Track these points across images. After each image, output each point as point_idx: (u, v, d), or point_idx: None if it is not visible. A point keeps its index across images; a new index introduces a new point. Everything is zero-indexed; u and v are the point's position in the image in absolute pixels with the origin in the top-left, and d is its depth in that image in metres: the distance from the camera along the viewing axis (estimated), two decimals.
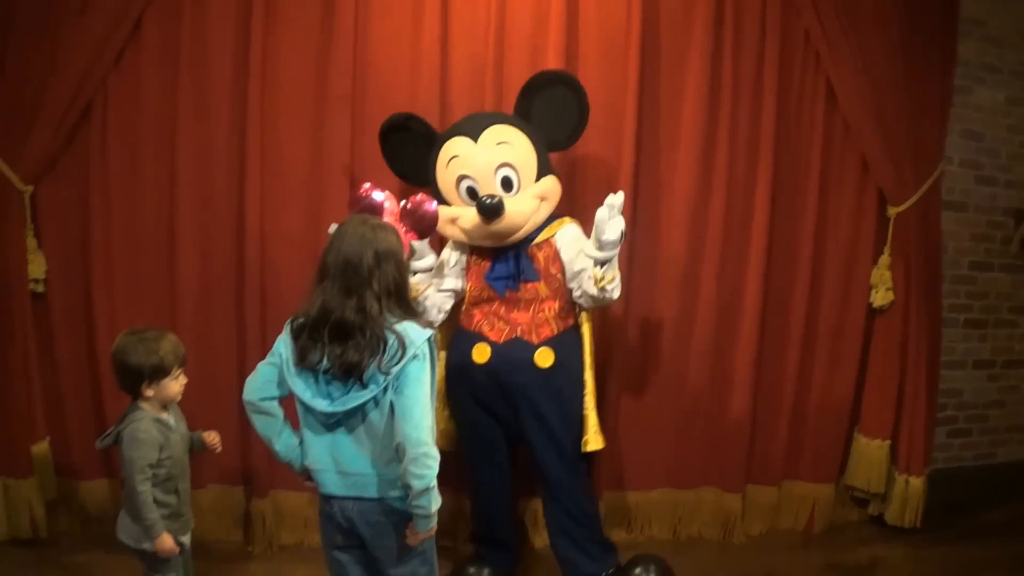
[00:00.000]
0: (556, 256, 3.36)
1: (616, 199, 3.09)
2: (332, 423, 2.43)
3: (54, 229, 3.84)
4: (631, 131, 3.77)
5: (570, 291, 3.38)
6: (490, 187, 3.23)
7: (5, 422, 3.76)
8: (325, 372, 2.38)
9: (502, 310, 3.35)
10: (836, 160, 3.97)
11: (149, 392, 2.88)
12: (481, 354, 3.35)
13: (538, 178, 3.30)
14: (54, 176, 3.80)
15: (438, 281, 3.49)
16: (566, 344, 3.38)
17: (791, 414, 4.13)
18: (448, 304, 3.50)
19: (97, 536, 3.27)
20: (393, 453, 2.37)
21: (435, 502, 2.39)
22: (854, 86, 3.80)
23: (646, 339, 4.02)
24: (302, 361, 2.40)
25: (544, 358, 3.30)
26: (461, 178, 3.27)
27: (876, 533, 4.19)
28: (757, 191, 3.90)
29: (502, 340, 3.34)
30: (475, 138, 3.25)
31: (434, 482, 2.36)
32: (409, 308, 2.45)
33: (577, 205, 3.81)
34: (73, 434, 3.88)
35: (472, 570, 3.58)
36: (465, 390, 3.45)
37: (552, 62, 3.71)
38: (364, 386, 2.36)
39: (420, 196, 2.94)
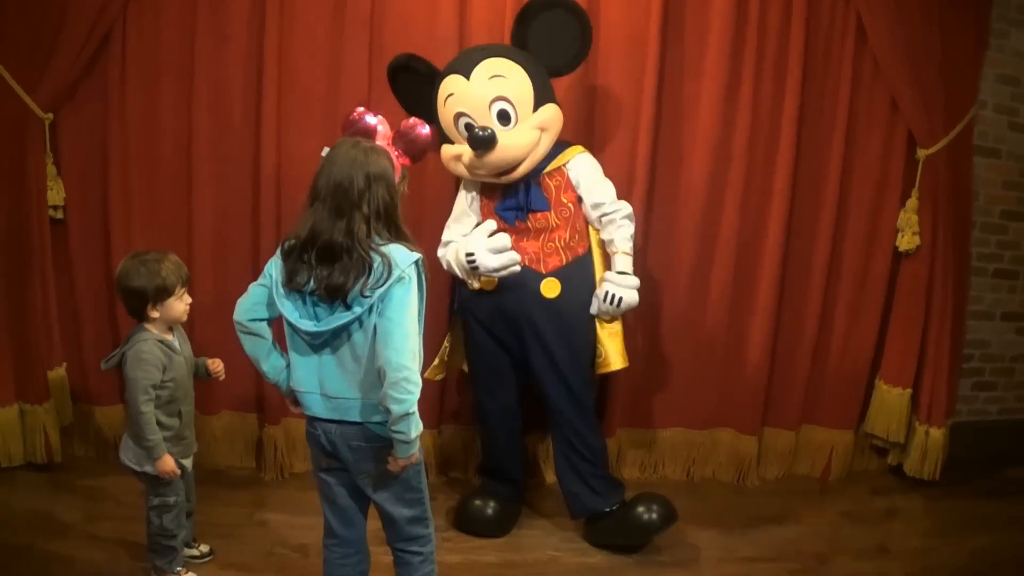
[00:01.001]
0: (568, 185, 3.34)
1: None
2: (318, 344, 2.42)
3: (73, 156, 3.86)
4: (654, 60, 3.70)
5: (583, 218, 3.38)
6: (486, 122, 3.20)
7: (23, 348, 3.80)
8: (311, 294, 2.37)
9: (513, 238, 3.29)
10: (865, 99, 3.86)
11: (154, 313, 2.91)
12: (489, 281, 3.33)
13: (536, 108, 3.24)
14: (73, 104, 3.81)
15: (457, 227, 3.49)
16: (575, 274, 3.36)
17: (811, 357, 4.08)
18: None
19: (111, 461, 3.29)
20: (376, 378, 2.35)
21: (415, 428, 2.36)
22: (885, 24, 3.69)
23: (665, 275, 3.99)
24: (290, 282, 2.38)
25: (550, 288, 3.30)
26: (458, 115, 3.25)
27: (894, 483, 4.13)
28: (782, 128, 3.82)
29: None
30: (467, 75, 3.22)
31: (414, 408, 2.34)
32: (399, 231, 2.42)
33: (596, 136, 3.80)
34: (90, 360, 3.90)
35: (477, 503, 3.58)
36: (474, 317, 3.46)
37: None
38: (348, 307, 2.34)
39: (413, 120, 2.90)
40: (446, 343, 3.64)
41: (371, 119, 2.80)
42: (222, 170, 3.85)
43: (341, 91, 3.77)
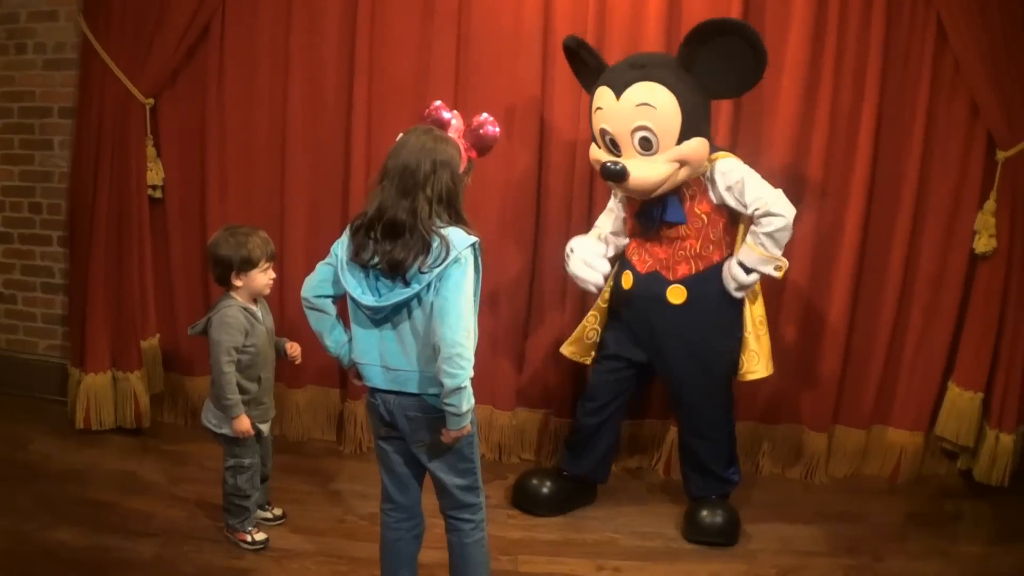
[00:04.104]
0: (703, 195, 3.33)
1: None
2: (379, 319, 2.55)
3: (172, 139, 4.10)
4: None
5: (721, 225, 3.37)
6: (627, 146, 3.23)
7: (119, 319, 4.05)
8: (374, 267, 2.50)
9: (647, 243, 3.41)
10: (944, 99, 3.83)
11: (238, 282, 3.12)
12: (627, 280, 3.47)
13: (680, 140, 3.18)
14: (174, 90, 4.06)
15: (605, 219, 3.65)
16: (706, 282, 3.37)
17: (885, 357, 4.06)
18: (621, 241, 3.63)
19: (198, 429, 3.48)
20: (432, 352, 2.47)
21: (467, 402, 2.47)
22: (965, 24, 3.66)
23: None
24: (355, 257, 2.52)
25: (676, 295, 3.36)
26: (603, 131, 3.29)
27: (962, 488, 4.07)
28: (861, 126, 3.81)
29: (644, 271, 3.43)
30: (618, 94, 3.19)
31: (466, 383, 2.45)
32: (459, 216, 2.54)
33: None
34: (182, 332, 4.12)
35: (534, 481, 3.71)
36: (615, 311, 3.60)
37: None
38: (407, 284, 2.46)
39: (484, 117, 3.02)
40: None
41: (446, 113, 2.96)
42: (314, 156, 4.04)
43: (429, 81, 3.90)
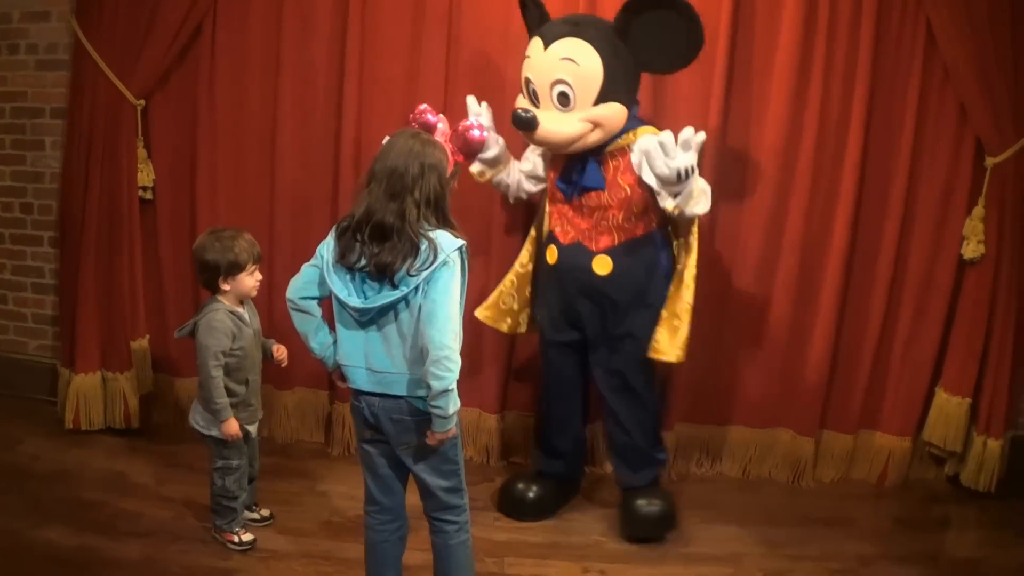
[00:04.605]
0: (628, 167, 3.27)
1: (667, 137, 3.01)
2: (365, 321, 2.56)
3: (163, 140, 4.12)
4: (723, 59, 3.74)
5: (644, 200, 3.29)
6: (545, 99, 3.23)
7: (108, 319, 4.06)
8: (361, 270, 2.51)
9: (570, 213, 3.38)
10: (933, 105, 3.84)
11: (225, 286, 3.13)
12: (551, 254, 3.45)
13: (599, 101, 3.17)
14: (165, 92, 4.08)
15: (519, 163, 3.62)
16: (631, 254, 3.34)
17: (872, 362, 4.07)
18: (529, 185, 3.63)
19: (187, 429, 3.49)
20: (419, 355, 2.48)
21: (453, 404, 2.50)
22: (955, 30, 3.67)
23: (729, 275, 4.02)
24: (341, 259, 2.53)
25: (601, 265, 3.33)
26: (527, 80, 3.30)
27: (949, 493, 4.09)
28: (849, 131, 3.82)
29: (567, 242, 3.40)
30: (546, 45, 3.19)
31: (453, 385, 2.47)
32: (445, 219, 2.56)
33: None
34: (171, 333, 4.01)
35: (520, 486, 3.70)
36: (544, 288, 3.57)
37: None
38: (395, 287, 2.47)
39: (471, 122, 3.03)
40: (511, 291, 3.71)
41: (431, 117, 2.98)
42: (304, 157, 4.05)
43: (419, 83, 3.91)
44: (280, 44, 3.94)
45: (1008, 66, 3.70)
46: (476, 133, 3.03)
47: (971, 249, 3.86)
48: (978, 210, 3.85)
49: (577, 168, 3.30)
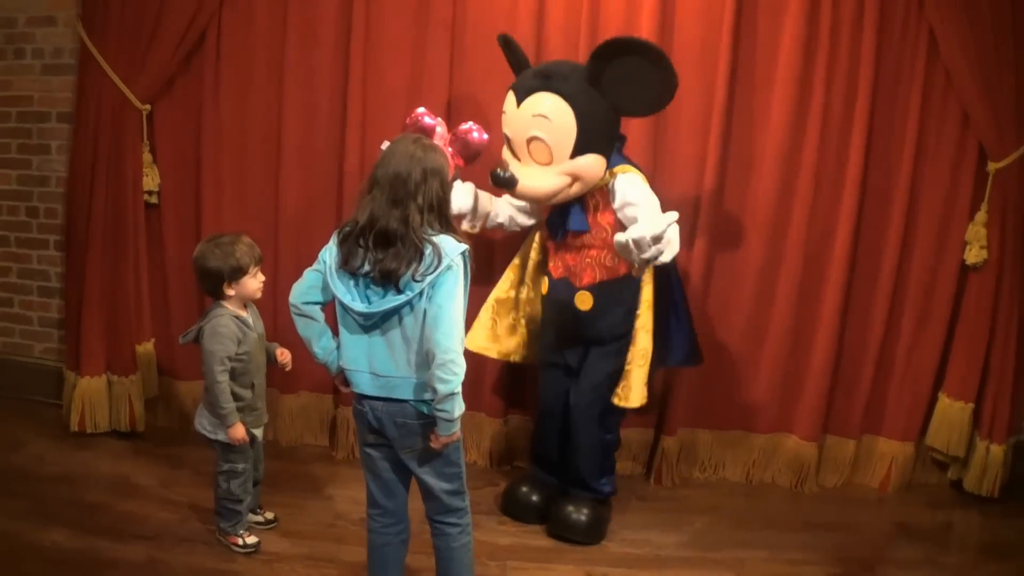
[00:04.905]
0: (606, 206, 3.31)
1: (637, 233, 2.83)
2: (369, 325, 2.57)
3: (168, 145, 4.13)
4: (725, 67, 3.75)
5: None
6: (523, 154, 3.23)
7: (114, 322, 4.08)
8: (365, 275, 2.52)
9: (560, 250, 3.44)
10: (936, 111, 3.85)
11: (230, 292, 3.15)
12: (544, 286, 3.55)
13: (575, 155, 3.16)
14: (170, 97, 4.10)
15: (508, 198, 3.60)
16: (611, 292, 3.38)
17: (875, 368, 4.07)
18: (522, 219, 3.65)
19: (191, 433, 3.50)
20: (423, 359, 2.50)
21: (458, 408, 2.52)
22: (957, 36, 3.67)
23: (732, 282, 4.04)
24: (345, 265, 2.54)
25: (583, 301, 3.38)
26: (506, 135, 3.31)
27: (952, 498, 4.09)
28: (852, 137, 3.83)
29: (556, 276, 3.47)
30: (519, 101, 3.19)
31: (458, 388, 2.49)
32: (448, 223, 2.58)
33: (667, 142, 3.89)
34: (176, 337, 4.03)
35: (524, 489, 3.72)
36: (542, 315, 3.64)
37: None
38: (399, 291, 2.49)
39: (470, 125, 3.04)
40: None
41: (429, 120, 3.00)
42: (308, 162, 4.06)
43: (423, 91, 3.91)
44: (284, 50, 3.96)
45: (1010, 72, 3.71)
46: (476, 136, 3.05)
47: (973, 254, 3.87)
48: (980, 215, 3.86)
49: (563, 211, 3.34)
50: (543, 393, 3.70)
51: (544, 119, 3.13)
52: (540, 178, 3.20)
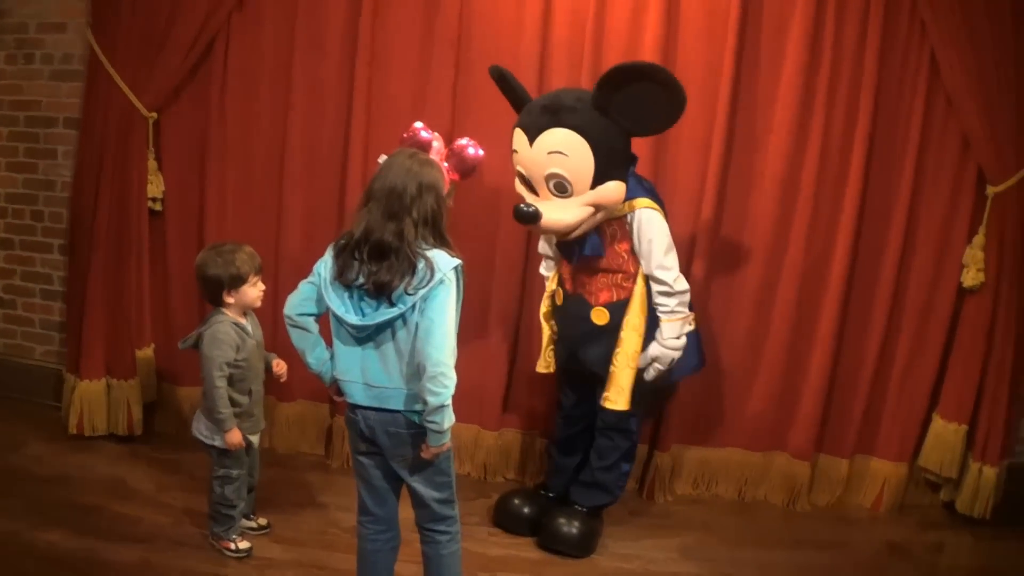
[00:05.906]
0: (625, 236, 3.33)
1: (659, 353, 3.34)
2: (362, 337, 2.60)
3: (174, 153, 4.17)
4: (727, 87, 3.78)
5: (636, 264, 3.36)
6: (543, 189, 3.23)
7: (115, 327, 4.11)
8: (359, 288, 2.56)
9: (576, 272, 3.46)
10: (936, 134, 3.87)
11: (230, 299, 3.19)
12: (559, 297, 3.55)
13: (595, 184, 3.17)
14: (177, 105, 4.13)
15: (543, 245, 3.68)
16: (627, 311, 3.39)
17: (870, 388, 4.09)
18: (552, 264, 3.67)
19: (189, 438, 3.53)
20: (415, 371, 2.54)
21: (448, 420, 2.55)
22: (958, 60, 3.70)
23: (729, 300, 4.06)
24: (339, 277, 2.58)
25: (599, 316, 3.40)
26: (520, 172, 3.32)
27: (944, 519, 4.10)
28: (852, 159, 3.85)
29: (571, 291, 3.49)
30: (531, 140, 3.17)
31: (449, 401, 2.52)
32: (442, 238, 2.60)
33: (668, 159, 3.92)
34: (177, 342, 4.11)
35: (516, 501, 3.76)
36: (557, 329, 3.64)
37: (652, 16, 3.74)
38: (392, 304, 2.52)
39: (466, 141, 3.06)
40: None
41: (425, 135, 3.03)
42: (312, 173, 4.11)
43: (427, 104, 3.96)
44: (291, 62, 4.01)
45: (1010, 96, 3.73)
46: (472, 151, 3.08)
47: (971, 277, 3.89)
48: (978, 239, 3.88)
49: (578, 240, 3.33)
50: (562, 399, 3.76)
51: (561, 155, 3.13)
52: (563, 211, 3.20)
